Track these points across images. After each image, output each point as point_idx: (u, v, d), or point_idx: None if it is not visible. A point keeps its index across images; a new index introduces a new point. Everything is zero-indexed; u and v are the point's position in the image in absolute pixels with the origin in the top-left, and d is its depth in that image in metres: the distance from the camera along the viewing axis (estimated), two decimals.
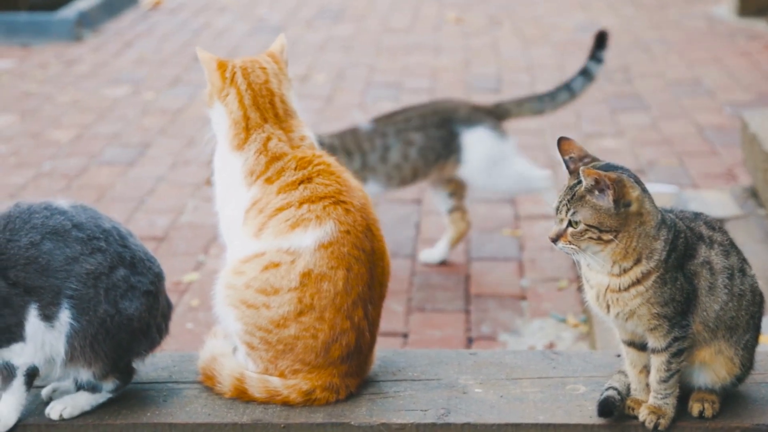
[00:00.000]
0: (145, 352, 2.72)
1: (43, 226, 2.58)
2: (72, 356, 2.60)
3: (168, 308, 2.77)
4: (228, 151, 2.80)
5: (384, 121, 4.76)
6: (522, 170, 4.74)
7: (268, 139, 2.77)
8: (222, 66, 2.82)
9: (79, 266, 2.57)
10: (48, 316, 2.55)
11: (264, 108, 2.80)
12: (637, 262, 2.44)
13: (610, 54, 8.33)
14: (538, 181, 4.75)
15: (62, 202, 2.66)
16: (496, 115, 4.78)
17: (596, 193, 2.40)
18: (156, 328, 2.71)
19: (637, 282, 2.45)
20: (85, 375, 2.64)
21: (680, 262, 2.47)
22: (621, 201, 2.40)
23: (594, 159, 2.50)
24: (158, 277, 2.71)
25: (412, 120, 4.70)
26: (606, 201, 2.40)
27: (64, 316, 2.57)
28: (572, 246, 2.43)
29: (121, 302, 2.61)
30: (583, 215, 2.41)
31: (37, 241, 2.56)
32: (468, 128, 4.66)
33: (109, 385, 2.70)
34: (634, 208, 2.42)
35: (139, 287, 2.64)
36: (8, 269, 2.54)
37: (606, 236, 2.41)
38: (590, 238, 2.41)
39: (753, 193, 4.87)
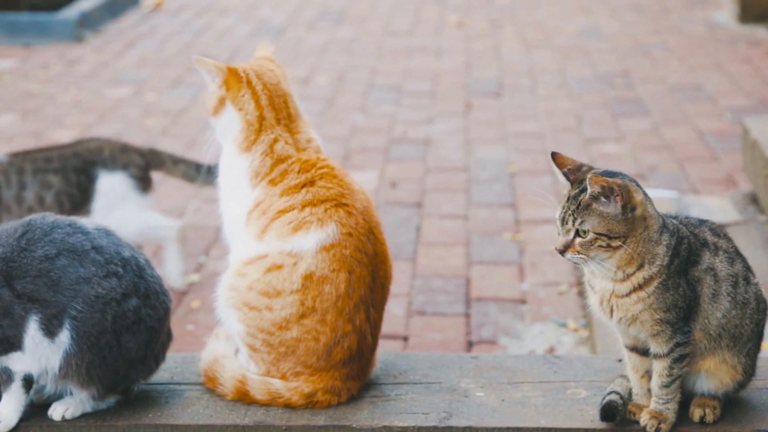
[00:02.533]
0: (142, 378, 2.72)
1: (63, 242, 2.57)
2: (66, 374, 2.60)
3: (168, 339, 2.78)
4: (236, 153, 2.79)
5: (23, 156, 4.39)
6: (147, 224, 4.45)
7: (275, 141, 2.77)
8: (232, 70, 2.81)
9: (89, 287, 2.56)
10: (50, 332, 2.55)
11: (279, 108, 2.81)
12: (640, 267, 2.45)
13: (611, 58, 8.41)
14: (164, 231, 4.51)
15: (86, 222, 2.66)
16: (147, 160, 4.48)
17: (602, 199, 2.40)
18: (153, 359, 2.72)
19: (639, 287, 2.46)
20: (80, 394, 2.65)
21: (683, 268, 2.48)
22: (628, 206, 2.41)
23: (591, 167, 2.51)
24: (166, 314, 2.71)
25: (53, 160, 4.33)
26: (612, 207, 2.40)
27: (64, 336, 2.56)
28: (581, 255, 2.43)
29: (125, 335, 2.60)
30: (592, 224, 2.41)
31: (53, 255, 2.55)
32: (107, 173, 4.34)
33: (110, 400, 2.71)
34: (639, 212, 2.43)
35: (146, 321, 2.63)
36: (16, 279, 2.53)
37: (615, 243, 2.41)
38: (600, 246, 2.41)
39: (753, 199, 4.88)
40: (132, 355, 2.63)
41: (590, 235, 2.41)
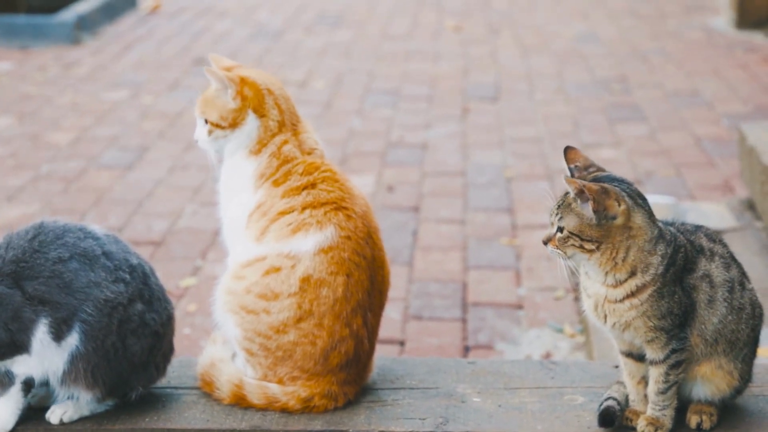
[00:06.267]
0: (142, 386, 2.72)
1: (75, 246, 2.59)
2: (74, 377, 2.60)
3: (170, 351, 2.79)
4: (244, 157, 2.77)
5: None
6: None
7: (284, 143, 2.77)
8: (245, 79, 2.77)
9: (99, 291, 2.58)
10: (59, 336, 2.56)
11: (291, 112, 2.81)
12: (632, 274, 2.45)
13: (608, 63, 8.42)
14: None
15: (96, 228, 2.68)
16: None
17: (579, 202, 2.43)
18: (155, 367, 2.73)
19: (632, 295, 2.46)
20: (84, 396, 2.65)
21: (679, 276, 2.48)
22: (603, 213, 2.41)
23: (599, 169, 2.52)
24: (169, 320, 2.73)
25: None
26: (588, 211, 2.42)
27: (72, 339, 2.57)
28: (558, 251, 2.46)
29: (130, 337, 2.62)
30: (567, 222, 2.44)
31: (66, 258, 2.57)
32: None
33: (108, 403, 2.71)
34: (619, 221, 2.43)
35: (150, 325, 2.66)
36: (28, 280, 2.54)
37: (587, 245, 2.43)
38: (572, 245, 2.44)
39: (750, 206, 4.88)
40: (136, 360, 2.65)
41: (564, 233, 2.44)
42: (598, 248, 2.43)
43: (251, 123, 2.77)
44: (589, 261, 2.46)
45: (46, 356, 2.57)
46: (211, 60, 2.88)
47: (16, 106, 7.38)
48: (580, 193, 2.41)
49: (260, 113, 2.77)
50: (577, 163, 2.52)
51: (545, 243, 2.48)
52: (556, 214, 2.46)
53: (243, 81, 2.77)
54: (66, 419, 2.66)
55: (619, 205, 2.42)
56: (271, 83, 2.81)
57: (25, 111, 7.26)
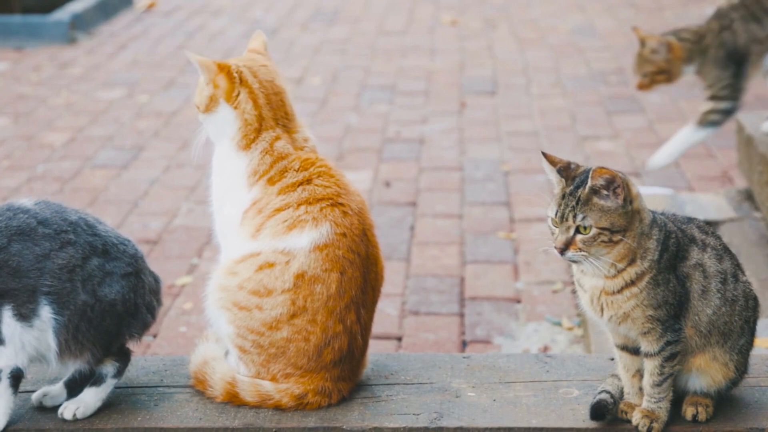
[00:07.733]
0: (138, 333, 2.68)
1: (8, 228, 2.55)
2: (67, 349, 2.57)
3: (156, 284, 2.74)
4: (233, 151, 2.75)
5: None
6: None
7: (276, 138, 2.75)
8: (224, 67, 2.77)
9: (51, 262, 2.55)
10: (25, 316, 2.53)
11: (277, 106, 2.78)
12: (632, 262, 2.44)
13: (606, 56, 8.39)
14: None
15: (25, 201, 2.64)
16: None
17: (603, 192, 2.38)
18: (146, 307, 2.68)
19: (632, 283, 2.44)
20: (80, 366, 2.62)
21: (672, 263, 2.47)
22: (628, 198, 2.39)
23: (578, 165, 2.49)
24: (134, 258, 2.68)
25: None
26: (612, 201, 2.39)
27: (45, 313, 2.54)
28: (582, 253, 2.40)
29: (99, 290, 2.58)
30: (594, 219, 2.39)
31: (4, 244, 2.53)
32: None
33: (108, 369, 2.67)
34: (635, 204, 2.42)
35: (116, 272, 2.61)
36: None
37: (616, 237, 2.40)
38: (602, 241, 2.39)
39: (748, 196, 4.86)
40: (119, 308, 2.61)
41: (593, 231, 2.39)
42: (624, 236, 2.39)
43: (224, 111, 2.76)
44: (608, 255, 2.40)
45: (23, 341, 2.54)
46: (250, 40, 2.94)
47: (11, 106, 7.36)
48: (610, 183, 2.37)
49: (233, 104, 2.75)
50: (560, 165, 2.48)
51: (563, 251, 2.40)
52: (575, 215, 2.39)
53: (220, 68, 2.76)
54: (79, 415, 2.64)
55: (634, 188, 2.41)
56: (262, 76, 2.78)
57: (20, 111, 7.24)
